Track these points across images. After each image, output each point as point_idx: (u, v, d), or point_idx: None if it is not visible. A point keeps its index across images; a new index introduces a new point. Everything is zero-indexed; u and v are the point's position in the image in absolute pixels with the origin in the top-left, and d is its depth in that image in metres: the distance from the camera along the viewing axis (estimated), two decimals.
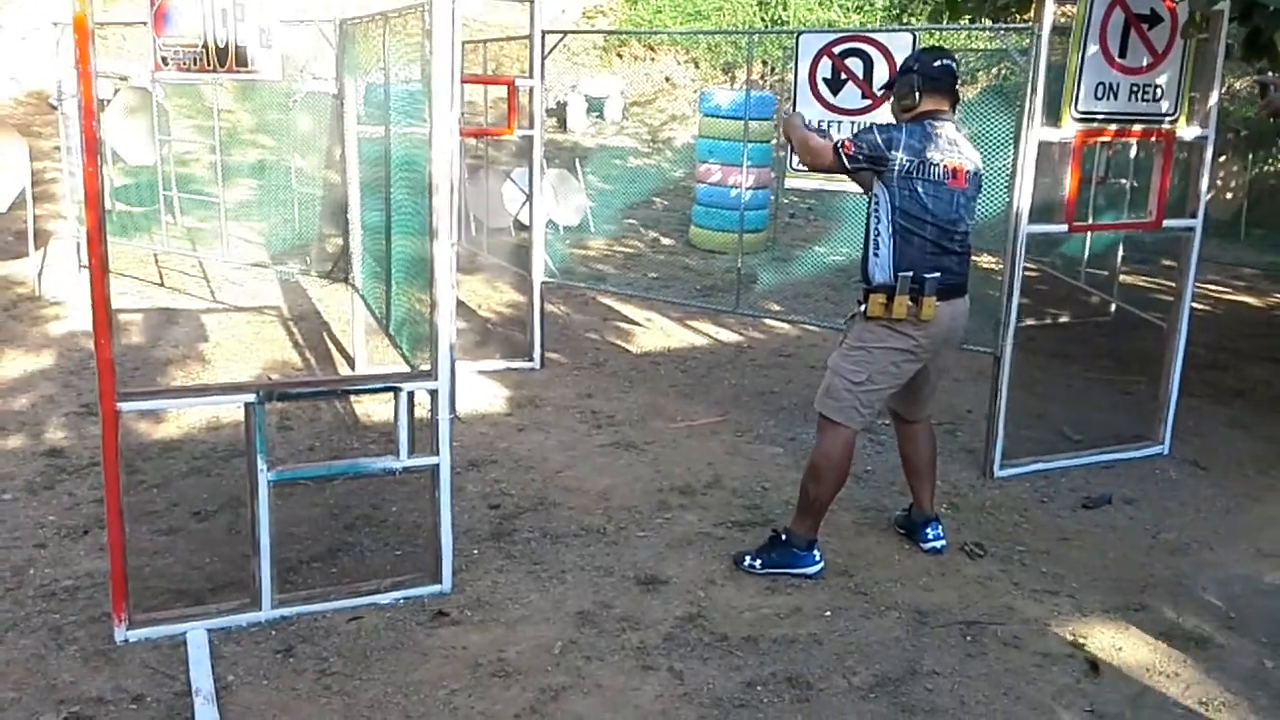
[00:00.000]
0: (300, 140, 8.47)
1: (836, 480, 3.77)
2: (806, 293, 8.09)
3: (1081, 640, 3.42)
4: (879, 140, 3.60)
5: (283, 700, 2.97)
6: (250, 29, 3.96)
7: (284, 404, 4.95)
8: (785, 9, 18.58)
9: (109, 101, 8.29)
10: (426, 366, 3.62)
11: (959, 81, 3.81)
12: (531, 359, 6.21)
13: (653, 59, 19.16)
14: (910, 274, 3.58)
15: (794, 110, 4.21)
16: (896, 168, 3.58)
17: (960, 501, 4.47)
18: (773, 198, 9.69)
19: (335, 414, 5.21)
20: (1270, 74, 4.41)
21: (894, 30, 6.04)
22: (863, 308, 3.68)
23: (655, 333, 7.12)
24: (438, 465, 3.53)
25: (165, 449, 4.68)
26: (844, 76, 5.16)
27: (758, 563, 3.78)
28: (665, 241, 10.31)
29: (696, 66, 18.53)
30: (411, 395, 3.52)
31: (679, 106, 17.77)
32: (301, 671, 3.10)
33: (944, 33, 11.24)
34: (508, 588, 3.65)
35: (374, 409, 5.21)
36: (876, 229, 3.68)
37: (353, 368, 5.94)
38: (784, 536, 3.78)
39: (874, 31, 5.21)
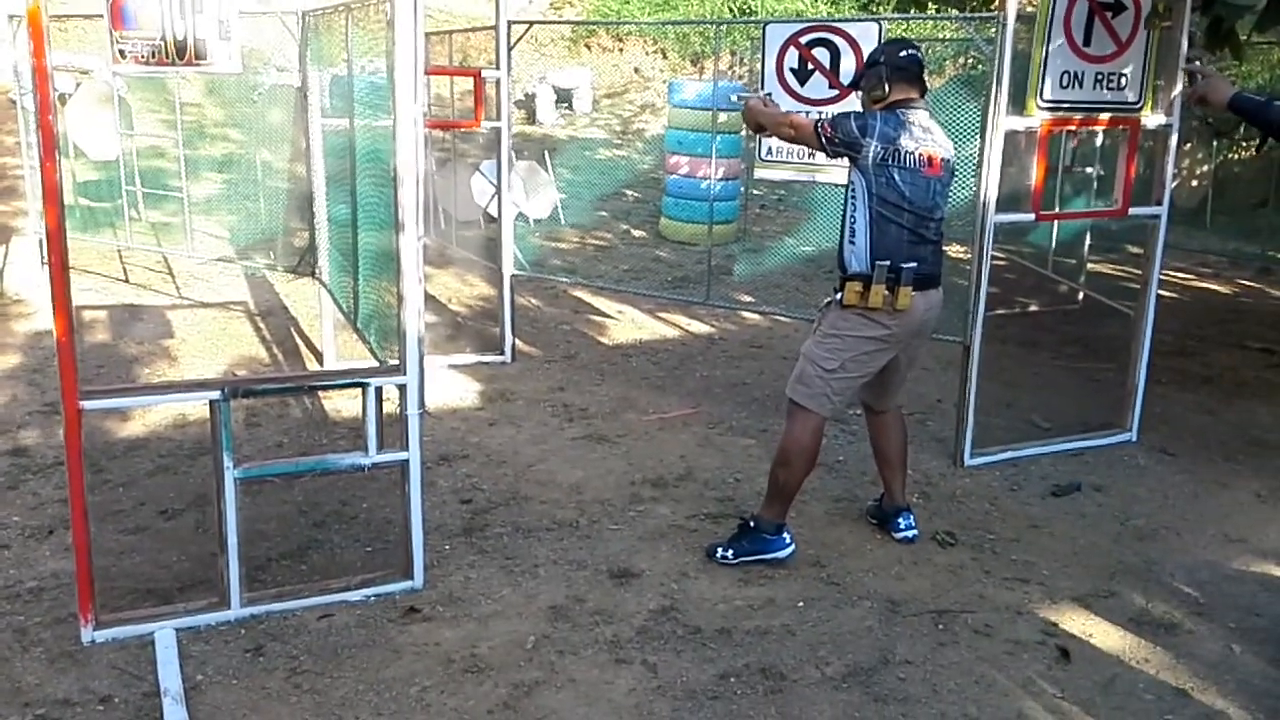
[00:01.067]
0: (266, 133, 8.38)
1: (805, 466, 3.78)
2: (778, 283, 8.10)
3: (1052, 627, 3.44)
4: (853, 127, 3.60)
5: (253, 699, 2.94)
6: (209, 21, 3.90)
7: (251, 401, 4.91)
8: None
9: (70, 95, 8.17)
10: (395, 361, 3.59)
11: (925, 71, 3.82)
12: (502, 353, 6.18)
13: (621, 50, 19.12)
14: (887, 263, 3.58)
15: (759, 92, 4.18)
16: (871, 155, 3.58)
17: (931, 490, 4.49)
18: (743, 189, 9.70)
19: (304, 410, 5.17)
20: (1198, 62, 4.42)
21: (861, 20, 6.04)
22: (839, 295, 3.68)
23: (627, 325, 7.11)
24: (408, 460, 3.51)
25: (131, 447, 4.62)
26: (811, 67, 5.15)
27: (730, 553, 3.78)
28: (636, 233, 10.29)
29: (665, 57, 18.51)
30: (380, 390, 3.49)
31: (649, 97, 17.75)
32: (272, 670, 3.07)
33: (911, 22, 11.26)
34: (480, 583, 3.63)
35: (343, 405, 5.17)
36: (853, 216, 3.69)
37: (321, 363, 5.89)
38: (753, 524, 3.80)
39: (841, 21, 5.21)
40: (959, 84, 8.90)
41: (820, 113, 4.24)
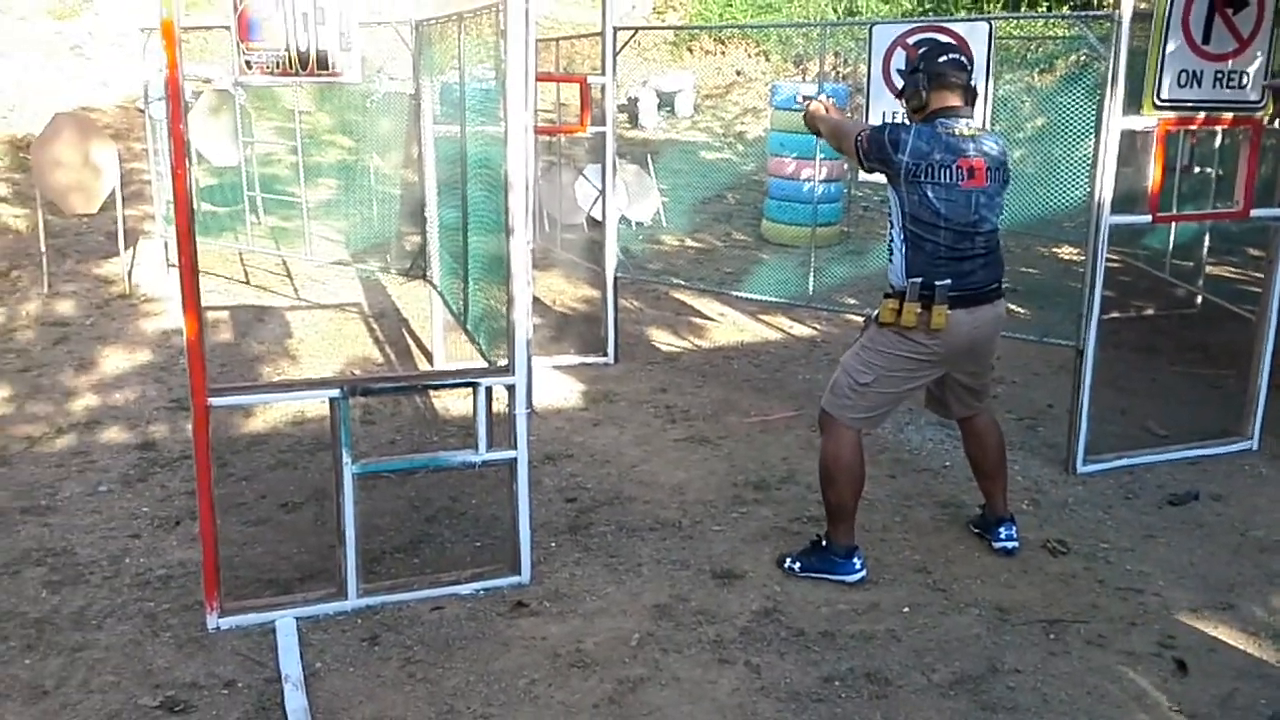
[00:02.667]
0: (378, 140, 8.62)
1: (850, 482, 3.67)
2: (880, 286, 7.97)
3: (1168, 639, 3.35)
4: (886, 141, 3.46)
5: (369, 687, 3.05)
6: (331, 33, 4.05)
7: (367, 399, 5.05)
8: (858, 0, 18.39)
9: (192, 104, 8.53)
10: (504, 362, 3.67)
11: (970, 74, 3.62)
12: (605, 354, 6.25)
13: (723, 53, 19.10)
14: (920, 280, 3.45)
15: (821, 96, 4.01)
16: (903, 171, 3.44)
17: (1041, 498, 4.40)
18: (846, 191, 9.61)
19: (415, 409, 5.31)
20: None
21: (969, 19, 5.95)
22: (875, 312, 3.61)
23: (728, 327, 7.12)
24: (515, 459, 3.59)
25: (253, 442, 4.82)
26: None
27: (797, 565, 3.74)
28: (738, 236, 10.28)
29: (767, 59, 18.43)
30: (490, 390, 3.58)
31: (750, 100, 17.70)
32: (387, 659, 3.18)
33: (1021, 21, 11.03)
34: (585, 580, 3.69)
35: (452, 404, 5.30)
36: (891, 233, 3.59)
37: (431, 363, 6.04)
38: (824, 542, 3.73)
39: (949, 21, 5.14)
40: (1070, 82, 8.70)
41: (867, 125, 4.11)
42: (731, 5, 18.72)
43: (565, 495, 4.38)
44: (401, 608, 3.46)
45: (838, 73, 16.39)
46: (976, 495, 4.29)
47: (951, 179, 3.42)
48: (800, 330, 7.04)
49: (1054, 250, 9.15)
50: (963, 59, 3.58)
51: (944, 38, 4.37)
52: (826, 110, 3.88)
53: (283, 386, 4.44)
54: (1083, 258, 4.70)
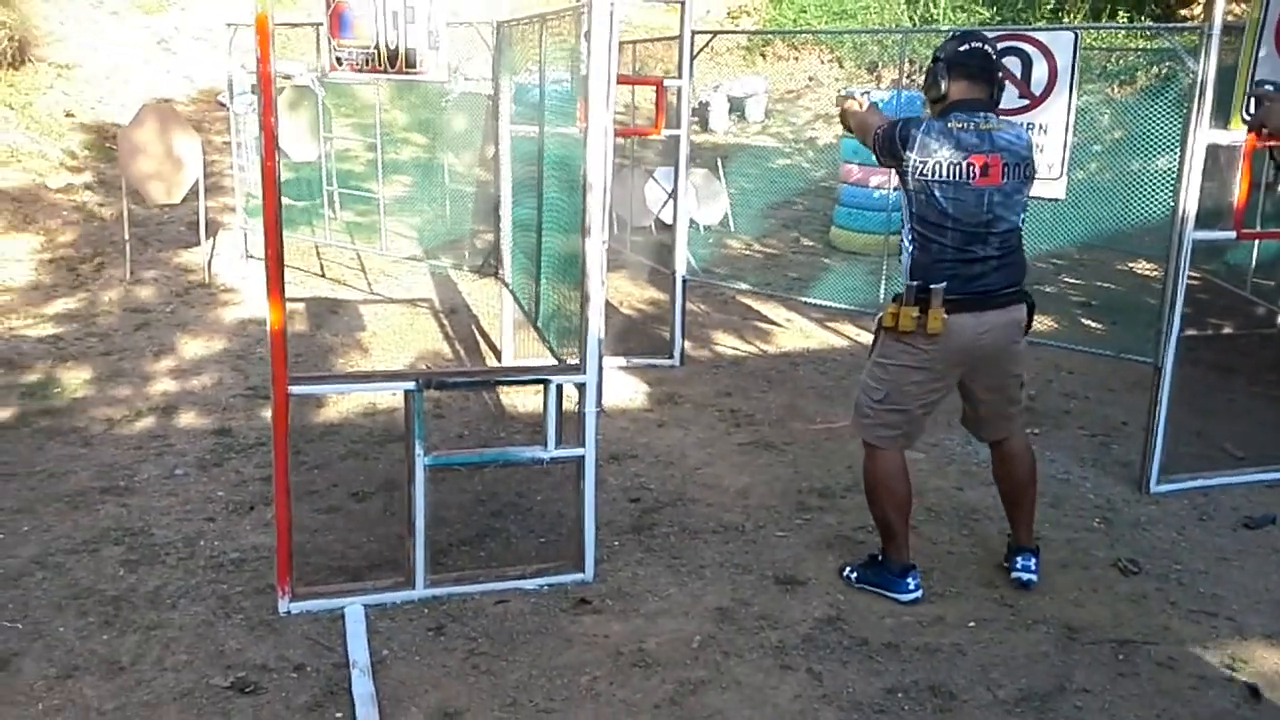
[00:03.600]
0: (453, 139, 8.74)
1: (893, 500, 3.55)
2: None
3: (1241, 664, 3.27)
4: (896, 136, 3.33)
5: (434, 676, 3.09)
6: (419, 31, 4.12)
7: (439, 392, 5.13)
8: (935, 7, 18.20)
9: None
10: (575, 360, 3.70)
11: (994, 67, 3.43)
12: (672, 356, 6.26)
13: (796, 59, 19.02)
14: (917, 283, 3.31)
15: (859, 94, 3.89)
16: (910, 169, 3.30)
17: (1114, 516, 4.32)
18: None
19: (483, 404, 5.37)
20: (1269, 87, 4.08)
21: (1054, 29, 5.87)
22: (880, 318, 3.48)
23: (794, 333, 7.09)
24: (583, 457, 3.62)
25: (325, 432, 4.91)
26: (1001, 75, 5.04)
27: (854, 575, 3.69)
28: (806, 242, 10.24)
29: (841, 66, 18.30)
30: (560, 388, 3.61)
31: (822, 106, 17.59)
32: (452, 650, 3.22)
33: (1101, 32, 10.84)
34: (647, 580, 3.71)
35: (519, 400, 5.35)
36: (903, 234, 3.45)
37: (499, 360, 6.11)
38: (880, 558, 3.66)
39: (1033, 30, 5.07)
40: (1150, 95, 8.53)
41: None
42: (806, 11, 18.65)
43: (629, 495, 4.40)
44: (467, 600, 3.50)
45: (912, 80, 16.26)
46: (1047, 511, 4.24)
47: (962, 176, 3.27)
48: (867, 338, 6.94)
49: (1130, 265, 8.97)
50: (988, 50, 3.40)
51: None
52: (860, 107, 3.76)
53: (360, 377, 4.51)
54: (1160, 273, 4.59)
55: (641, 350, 6.44)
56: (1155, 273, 8.04)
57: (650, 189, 9.40)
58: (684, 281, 6.30)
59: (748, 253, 9.63)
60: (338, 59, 3.46)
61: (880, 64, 17.68)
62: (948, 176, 3.26)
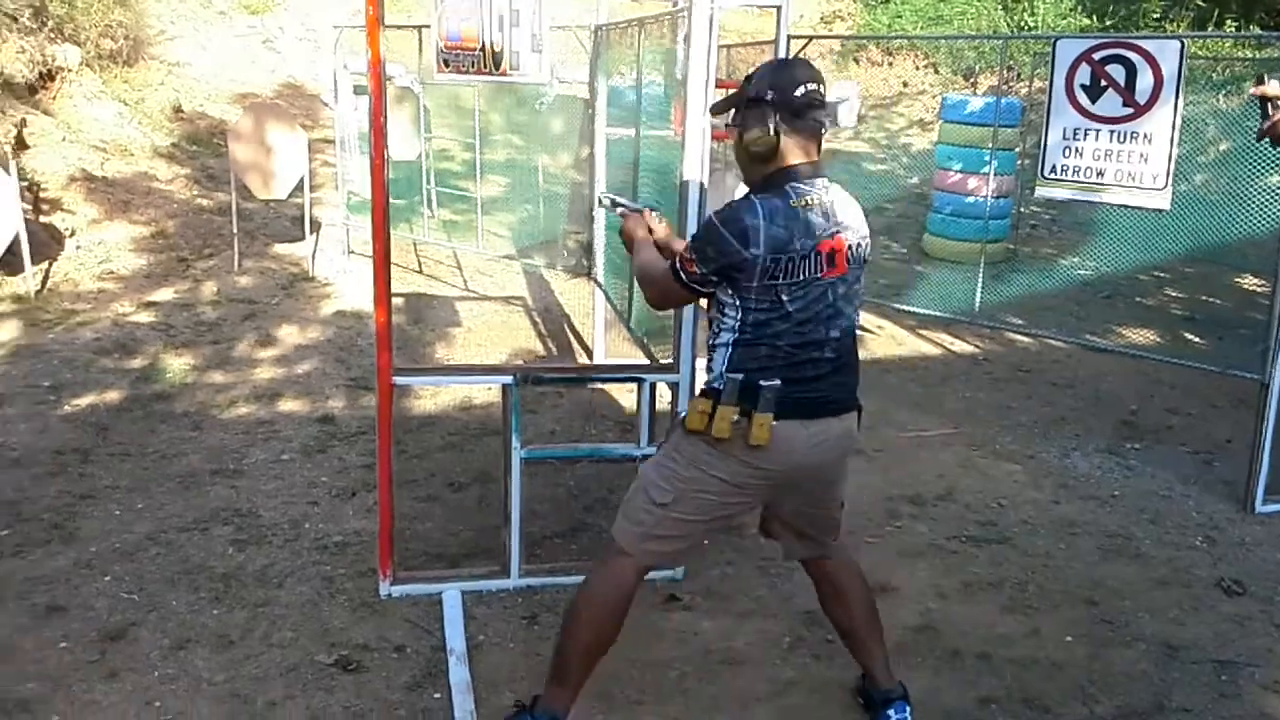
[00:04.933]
0: (548, 140, 8.84)
1: (597, 636, 2.72)
2: (1049, 306, 7.75)
3: None
4: (727, 236, 2.46)
5: (528, 664, 3.16)
6: (524, 34, 4.20)
7: (534, 388, 5.21)
8: (1033, 13, 17.86)
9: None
10: (667, 360, 3.74)
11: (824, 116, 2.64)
12: None
13: (891, 64, 18.84)
14: (740, 377, 2.54)
15: (640, 207, 3.11)
16: (758, 270, 2.47)
17: (1217, 535, 4.21)
18: (1015, 207, 9.35)
19: (574, 402, 5.44)
20: (1275, 82, 3.74)
21: (1159, 37, 5.74)
22: (681, 414, 2.72)
23: (886, 340, 7.03)
24: None
25: (423, 424, 5.03)
26: (1104, 83, 4.95)
27: None
28: (897, 248, 10.13)
29: (936, 71, 18.08)
30: (654, 387, 3.65)
31: (917, 112, 17.40)
32: (545, 638, 3.27)
33: (1206, 41, 10.52)
34: (737, 580, 3.72)
35: (610, 399, 5.41)
36: (719, 325, 2.62)
37: (590, 358, 6.17)
38: (530, 706, 2.79)
39: (1139, 38, 4.97)
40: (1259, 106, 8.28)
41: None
42: (901, 17, 18.44)
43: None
44: (560, 590, 3.55)
45: (1009, 87, 15.98)
46: (1148, 528, 4.15)
47: (811, 271, 2.51)
48: (961, 347, 6.90)
49: (1236, 279, 8.70)
50: (822, 91, 2.59)
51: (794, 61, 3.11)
52: (651, 231, 2.95)
53: (461, 370, 4.63)
54: (1268, 288, 4.46)
55: None
56: (1263, 288, 7.79)
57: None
58: None
59: None
60: (444, 61, 3.54)
61: (977, 69, 17.43)
62: (798, 274, 2.49)
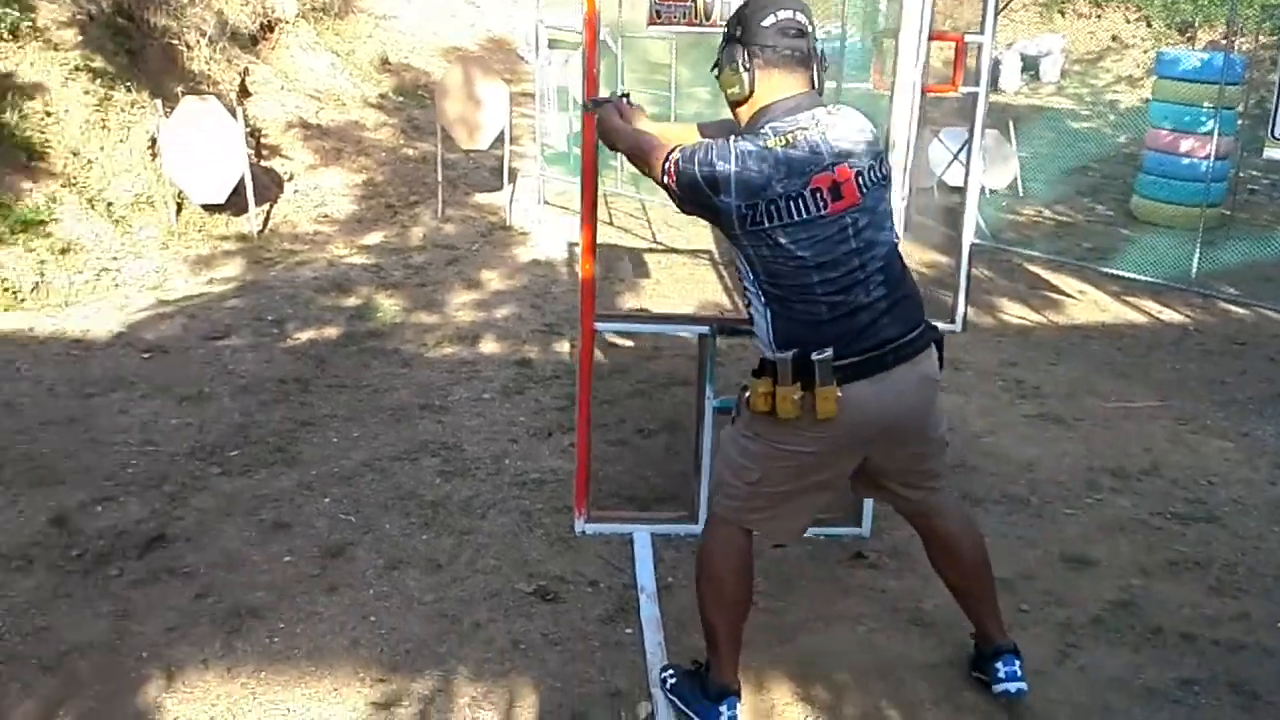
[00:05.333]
0: None
1: (721, 600, 2.69)
2: (1268, 276, 7.26)
3: None
4: (699, 179, 2.38)
5: None
6: None
7: (730, 339, 5.27)
8: None
9: (571, 56, 9.08)
10: None
11: (812, 44, 2.46)
12: (953, 321, 6.07)
13: (1099, 16, 17.83)
14: (793, 354, 2.41)
15: (616, 95, 3.00)
16: (735, 219, 2.38)
17: None
18: (1233, 170, 8.75)
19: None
20: None
21: None
22: (746, 393, 2.56)
23: (1088, 306, 6.75)
24: None
25: (613, 371, 5.16)
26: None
27: (669, 679, 2.85)
28: (1102, 210, 9.66)
29: (1148, 25, 17.01)
30: None
31: (1125, 67, 16.43)
32: None
33: None
34: None
35: None
36: (745, 287, 2.57)
37: None
38: (705, 668, 2.78)
39: None
40: None
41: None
42: None
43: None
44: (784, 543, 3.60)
45: (1231, 43, 14.87)
46: None
47: (809, 211, 2.37)
48: (1169, 315, 6.55)
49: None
50: (801, 17, 2.44)
51: None
52: (622, 116, 2.82)
53: (659, 319, 4.72)
54: None
55: None
56: None
57: (934, 149, 9.13)
58: (971, 246, 6.11)
59: (1038, 219, 9.20)
60: (656, 13, 3.55)
61: (1195, 24, 16.28)
62: (791, 216, 2.37)
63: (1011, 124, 10.21)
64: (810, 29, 2.46)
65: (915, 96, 3.49)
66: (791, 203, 2.36)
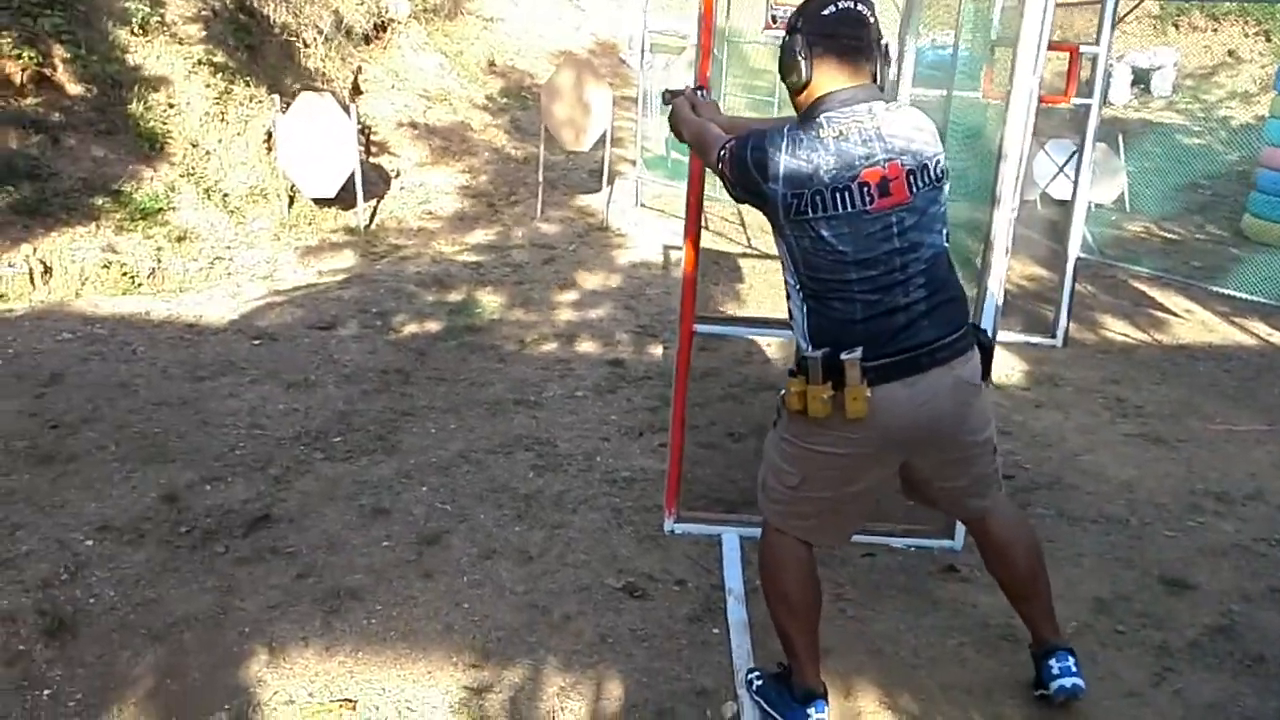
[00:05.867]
0: None
1: (786, 605, 2.71)
2: None
3: None
4: (750, 163, 2.40)
5: None
6: None
7: None
8: None
9: (670, 61, 9.16)
10: None
11: (873, 35, 2.44)
12: (1054, 336, 6.01)
13: (1215, 30, 17.26)
14: (821, 353, 2.41)
15: (688, 89, 2.94)
16: (780, 207, 2.38)
17: None
18: None
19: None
20: None
21: None
22: (782, 394, 2.56)
23: (1195, 325, 6.56)
24: None
25: (705, 374, 5.19)
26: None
27: (756, 680, 2.87)
28: (1211, 229, 9.38)
29: (1268, 40, 16.42)
30: None
31: (1241, 83, 15.89)
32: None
33: None
34: None
35: None
36: (785, 279, 2.58)
37: None
38: (790, 672, 2.79)
39: None
40: None
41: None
42: None
43: (1003, 472, 4.30)
44: (834, 548, 3.61)
45: None
46: None
47: (854, 204, 2.35)
48: None
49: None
50: (862, 9, 2.42)
51: None
52: (693, 108, 2.81)
53: (757, 323, 4.73)
54: None
55: (1020, 327, 6.23)
56: None
57: (1040, 161, 8.96)
58: (1077, 260, 6.01)
59: (1145, 235, 8.98)
60: (772, 17, 3.57)
61: None
62: (835, 208, 2.35)
63: (1120, 137, 9.98)
64: (872, 21, 2.45)
65: (1032, 105, 3.44)
66: (837, 195, 2.35)
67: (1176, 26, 17.51)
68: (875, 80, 2.46)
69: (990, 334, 3.55)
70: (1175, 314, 6.77)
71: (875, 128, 2.38)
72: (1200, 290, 6.89)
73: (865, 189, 2.35)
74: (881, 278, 2.39)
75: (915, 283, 2.41)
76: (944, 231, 2.48)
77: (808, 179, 2.34)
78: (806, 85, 2.44)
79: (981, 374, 2.56)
